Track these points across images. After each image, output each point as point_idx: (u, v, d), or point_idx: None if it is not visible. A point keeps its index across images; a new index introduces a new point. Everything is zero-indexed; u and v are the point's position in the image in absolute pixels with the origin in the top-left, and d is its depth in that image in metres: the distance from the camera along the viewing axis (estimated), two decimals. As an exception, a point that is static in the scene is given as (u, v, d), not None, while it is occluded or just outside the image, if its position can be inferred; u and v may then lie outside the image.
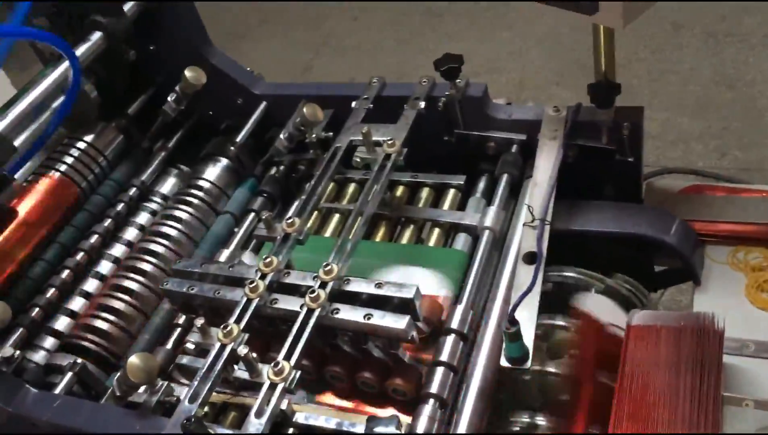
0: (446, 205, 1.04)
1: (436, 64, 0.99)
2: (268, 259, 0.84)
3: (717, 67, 2.38)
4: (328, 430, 0.81)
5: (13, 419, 0.81)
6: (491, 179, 1.05)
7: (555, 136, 0.98)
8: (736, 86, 2.31)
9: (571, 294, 0.93)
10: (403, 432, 0.64)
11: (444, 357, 0.82)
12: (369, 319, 0.78)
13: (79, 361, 0.90)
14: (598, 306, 0.87)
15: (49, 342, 0.96)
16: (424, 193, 1.06)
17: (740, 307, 0.90)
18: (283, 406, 0.80)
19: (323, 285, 0.81)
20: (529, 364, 0.76)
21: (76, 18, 1.08)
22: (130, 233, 1.09)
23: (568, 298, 0.92)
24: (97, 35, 1.05)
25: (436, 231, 1.00)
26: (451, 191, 1.05)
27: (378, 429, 0.63)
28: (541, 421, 0.82)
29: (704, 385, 0.78)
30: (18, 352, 0.90)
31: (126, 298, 0.97)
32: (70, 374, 0.88)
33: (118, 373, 0.82)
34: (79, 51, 1.02)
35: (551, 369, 0.83)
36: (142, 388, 0.84)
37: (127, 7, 1.07)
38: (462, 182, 1.05)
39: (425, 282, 0.90)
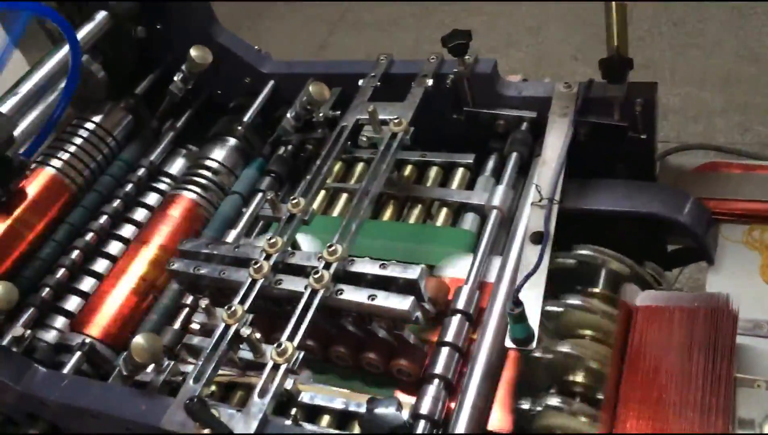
0: (455, 185, 1.03)
1: (444, 41, 0.97)
2: (273, 240, 0.84)
3: (741, 41, 2.32)
4: (333, 409, 0.81)
5: (22, 398, 0.82)
6: (501, 158, 1.04)
7: (565, 113, 0.96)
8: (760, 60, 2.25)
9: (588, 273, 0.91)
10: (403, 412, 0.64)
11: (449, 338, 0.81)
12: (373, 299, 0.78)
13: (88, 340, 0.91)
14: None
15: (60, 322, 0.97)
16: (433, 172, 1.05)
17: (755, 287, 0.88)
18: (289, 386, 0.81)
19: (327, 266, 0.80)
20: (534, 345, 0.75)
21: (83, -3, 1.08)
22: (140, 213, 1.09)
23: (583, 277, 0.91)
24: (101, 14, 1.04)
25: (444, 210, 0.99)
26: (460, 170, 1.04)
27: (378, 410, 0.63)
28: (554, 401, 0.80)
29: (717, 368, 0.76)
30: (29, 331, 0.91)
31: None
32: (78, 354, 0.89)
33: (125, 353, 0.82)
34: (84, 30, 1.02)
35: (564, 349, 0.81)
36: (149, 368, 0.85)
37: (131, -14, 1.07)
38: (471, 161, 1.04)
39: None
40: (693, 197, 0.94)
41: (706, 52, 2.34)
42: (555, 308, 0.85)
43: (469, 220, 0.97)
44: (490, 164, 1.04)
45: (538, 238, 0.83)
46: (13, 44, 0.99)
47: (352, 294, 0.79)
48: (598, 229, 0.97)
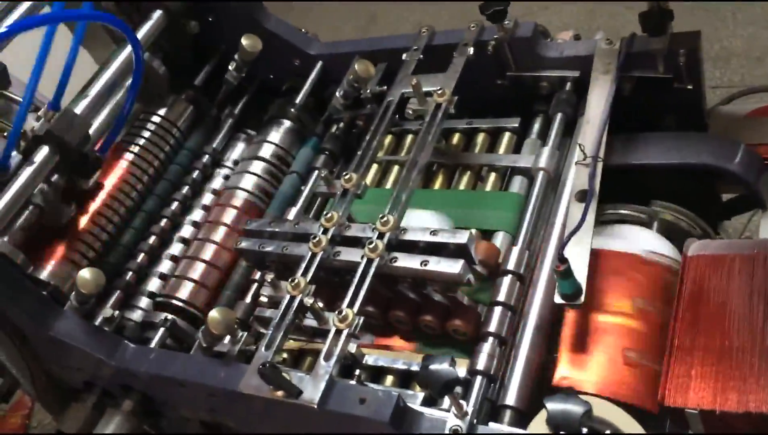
0: (502, 149, 1.05)
1: (482, 8, 0.99)
2: (329, 215, 0.89)
3: (808, -28, 2.21)
4: (396, 369, 0.87)
5: (116, 372, 0.91)
6: (546, 119, 1.05)
7: (608, 69, 0.97)
8: (828, -8, 2.13)
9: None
10: (457, 368, 0.68)
11: (501, 297, 0.85)
12: (425, 265, 0.82)
13: (170, 317, 0.99)
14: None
15: (144, 302, 1.06)
16: (480, 138, 1.08)
17: (810, 231, 0.88)
18: (353, 349, 0.86)
19: (381, 236, 0.85)
20: (582, 299, 0.77)
21: (139, -3, 1.15)
22: (207, 198, 1.16)
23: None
24: (157, 13, 1.11)
25: (493, 175, 1.02)
26: (507, 134, 1.06)
27: (432, 366, 0.67)
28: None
29: None
30: (117, 312, 1.00)
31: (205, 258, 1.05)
32: (162, 330, 0.97)
33: (203, 327, 0.90)
34: (143, 30, 1.09)
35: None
36: (226, 339, 0.92)
37: (182, -17, 1.13)
38: (516, 125, 1.06)
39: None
40: (743, 144, 0.93)
41: (770, -12, 2.24)
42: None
43: (517, 183, 0.99)
44: (536, 126, 1.05)
45: (583, 196, 0.85)
46: (77, 46, 1.06)
47: (406, 261, 0.83)
48: (650, 184, 0.98)
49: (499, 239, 0.93)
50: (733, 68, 2.17)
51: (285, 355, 0.93)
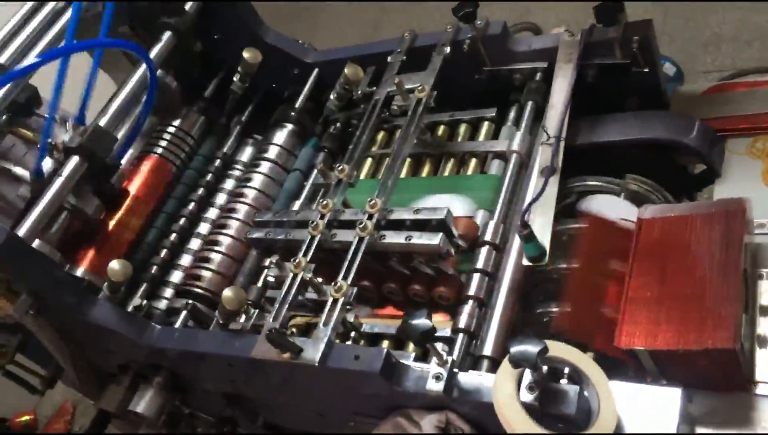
0: (482, 137, 1.16)
1: (454, 11, 1.10)
2: (325, 202, 1.01)
3: (794, -45, 2.27)
4: (391, 335, 0.98)
5: (146, 351, 1.03)
6: (520, 108, 1.15)
7: (570, 59, 1.07)
8: (814, -26, 2.20)
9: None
10: (432, 322, 0.79)
11: (480, 265, 0.96)
12: (409, 240, 0.93)
13: (191, 302, 1.11)
14: (608, 205, 0.97)
15: (168, 292, 1.18)
16: (462, 128, 1.18)
17: (758, 192, 0.97)
18: (351, 318, 0.98)
19: (370, 217, 0.96)
20: (546, 260, 0.88)
21: (150, 22, 1.27)
22: (220, 198, 1.29)
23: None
24: (167, 34, 1.23)
25: (473, 160, 1.13)
26: (486, 124, 1.17)
27: (411, 320, 0.78)
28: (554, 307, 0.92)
29: (728, 261, 0.86)
30: (145, 301, 1.12)
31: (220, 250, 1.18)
32: (185, 313, 1.10)
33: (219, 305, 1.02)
34: (155, 50, 1.21)
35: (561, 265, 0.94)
36: (242, 318, 1.04)
37: (187, 6, 1.25)
38: (494, 114, 1.16)
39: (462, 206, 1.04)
40: (697, 119, 1.03)
41: (758, -27, 2.30)
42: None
43: (494, 166, 1.10)
44: (512, 115, 1.16)
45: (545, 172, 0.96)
46: (96, 68, 1.19)
47: (393, 237, 0.94)
48: (620, 161, 1.07)
49: (480, 216, 1.04)
50: (724, 53, 2.24)
51: (294, 330, 1.04)
